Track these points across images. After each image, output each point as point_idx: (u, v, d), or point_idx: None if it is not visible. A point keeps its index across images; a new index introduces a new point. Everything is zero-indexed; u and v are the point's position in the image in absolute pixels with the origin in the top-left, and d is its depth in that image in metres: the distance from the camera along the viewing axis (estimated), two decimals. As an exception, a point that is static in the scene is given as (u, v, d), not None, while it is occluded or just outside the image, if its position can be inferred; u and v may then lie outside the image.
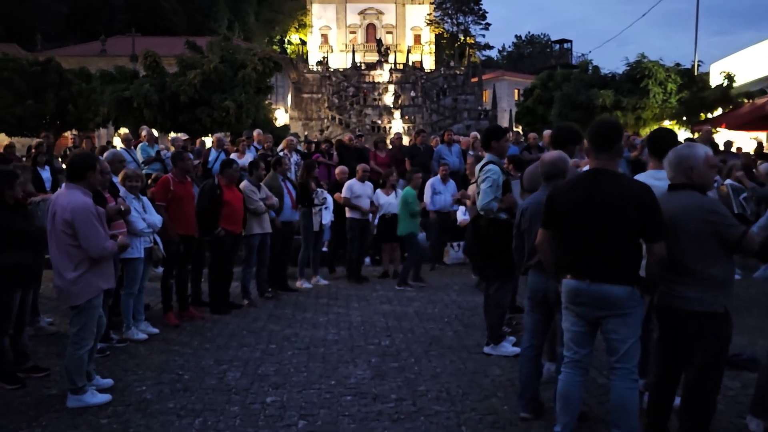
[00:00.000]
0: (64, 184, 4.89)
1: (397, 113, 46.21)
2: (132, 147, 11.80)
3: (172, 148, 11.77)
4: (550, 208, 3.86)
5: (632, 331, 3.62)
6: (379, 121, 44.60)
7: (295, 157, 12.08)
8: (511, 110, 41.17)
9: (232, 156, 10.46)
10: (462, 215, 10.79)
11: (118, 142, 14.83)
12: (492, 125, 7.08)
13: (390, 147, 13.86)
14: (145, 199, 6.67)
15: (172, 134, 16.95)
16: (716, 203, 3.77)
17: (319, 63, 56.54)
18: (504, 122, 42.41)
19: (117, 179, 6.76)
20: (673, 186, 3.82)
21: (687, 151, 3.78)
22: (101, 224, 4.70)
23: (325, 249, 10.76)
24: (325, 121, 46.11)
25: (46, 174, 10.58)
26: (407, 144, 15.05)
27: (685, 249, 3.66)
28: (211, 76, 19.85)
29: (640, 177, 4.48)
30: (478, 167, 6.12)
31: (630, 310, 3.59)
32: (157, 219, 6.73)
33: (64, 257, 4.63)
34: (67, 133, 22.51)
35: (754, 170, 10.08)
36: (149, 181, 8.63)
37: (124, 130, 14.50)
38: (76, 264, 4.63)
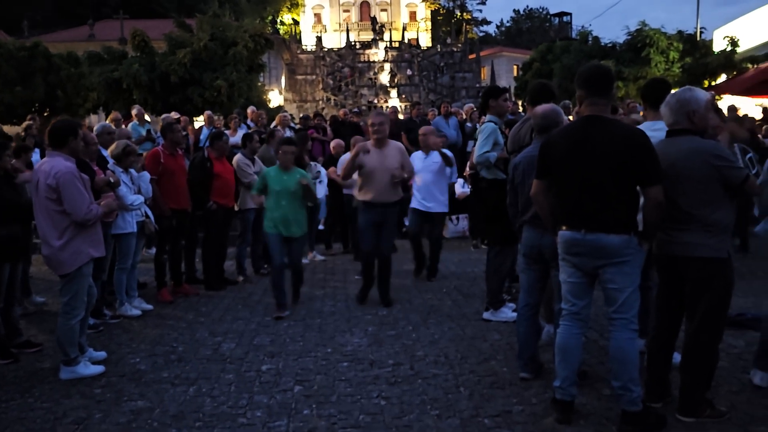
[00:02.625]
0: (47, 153, 4.87)
1: (393, 92, 45.98)
2: (122, 127, 11.73)
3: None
4: (544, 157, 3.84)
5: (630, 280, 3.61)
6: (375, 101, 44.40)
7: (288, 134, 12.02)
8: (510, 87, 40.98)
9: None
10: (461, 188, 10.76)
11: (108, 126, 14.80)
12: (490, 86, 7.20)
13: (386, 122, 13.80)
14: (133, 171, 6.65)
15: (164, 115, 16.88)
16: (718, 146, 3.75)
17: (317, 40, 56.03)
18: (503, 99, 42.06)
19: (106, 152, 6.75)
20: (673, 132, 3.80)
21: (689, 95, 3.76)
22: (86, 189, 4.70)
23: (321, 227, 10.74)
24: (320, 102, 45.90)
25: (35, 157, 10.54)
26: (403, 118, 14.99)
27: (688, 194, 3.65)
28: (202, 54, 19.69)
29: (637, 130, 4.48)
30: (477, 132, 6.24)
31: (627, 258, 3.58)
32: (146, 186, 6.73)
33: (49, 224, 4.63)
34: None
35: (759, 135, 10.05)
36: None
37: (115, 113, 14.57)
38: (61, 230, 4.63)
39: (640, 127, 4.56)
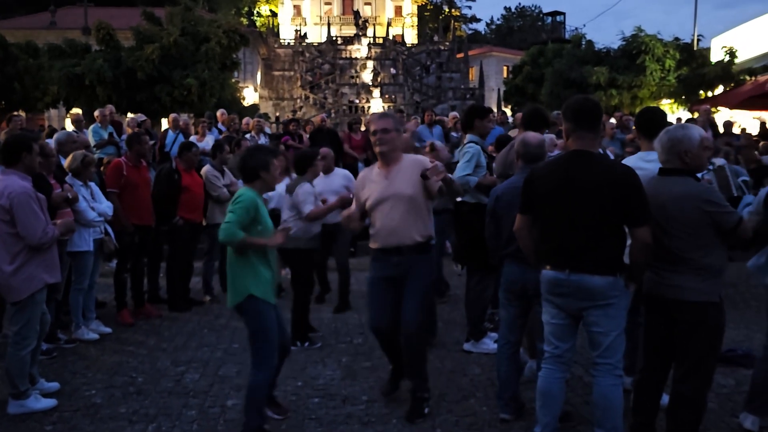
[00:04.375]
0: (0, 170, 4.83)
1: (376, 92, 46.08)
2: (83, 128, 11.62)
3: (129, 130, 11.62)
4: (528, 192, 3.90)
5: (615, 323, 3.67)
6: (357, 101, 44.49)
7: (263, 140, 12.02)
8: (499, 89, 41.29)
9: (192, 139, 10.38)
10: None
11: (69, 125, 14.63)
12: (476, 104, 7.23)
13: (364, 129, 13.81)
14: (93, 185, 6.60)
15: (130, 115, 16.75)
16: (711, 191, 3.80)
17: (301, 36, 55.99)
18: (492, 102, 42.47)
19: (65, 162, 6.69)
20: (665, 170, 3.85)
21: (681, 134, 3.80)
22: (42, 211, 4.67)
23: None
24: (298, 101, 45.91)
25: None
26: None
27: (679, 237, 3.72)
28: (171, 50, 19.59)
29: (628, 160, 4.55)
30: (458, 149, 6.28)
31: (613, 300, 3.64)
32: (107, 207, 6.67)
33: (0, 247, 4.58)
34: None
35: (756, 152, 10.22)
36: (101, 168, 8.53)
37: (76, 111, 14.23)
38: (14, 254, 4.59)
39: (633, 157, 4.67)
